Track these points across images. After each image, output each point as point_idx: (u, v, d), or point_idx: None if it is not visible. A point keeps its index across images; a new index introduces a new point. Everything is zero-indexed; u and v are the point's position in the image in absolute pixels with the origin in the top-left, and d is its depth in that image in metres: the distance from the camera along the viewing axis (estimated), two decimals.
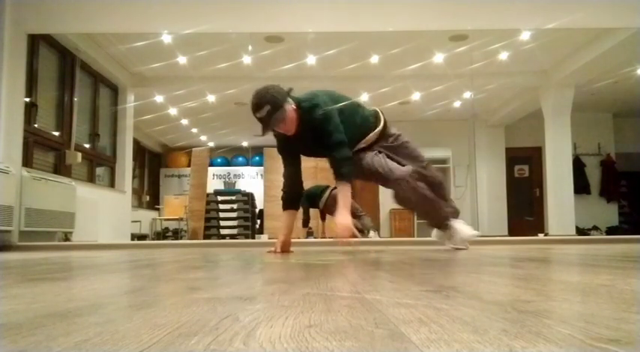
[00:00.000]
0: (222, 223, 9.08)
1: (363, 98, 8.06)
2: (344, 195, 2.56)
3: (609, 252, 2.48)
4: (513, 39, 5.92)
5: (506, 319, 0.60)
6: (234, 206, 9.12)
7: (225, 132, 9.37)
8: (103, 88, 6.84)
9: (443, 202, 3.00)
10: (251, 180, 11.64)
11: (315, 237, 6.81)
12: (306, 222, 6.00)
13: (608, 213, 9.45)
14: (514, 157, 9.91)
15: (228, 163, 11.94)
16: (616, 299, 0.77)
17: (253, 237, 8.66)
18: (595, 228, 9.09)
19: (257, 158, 11.58)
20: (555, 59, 6.77)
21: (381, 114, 2.91)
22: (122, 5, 4.98)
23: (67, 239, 5.28)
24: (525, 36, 5.82)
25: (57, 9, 4.95)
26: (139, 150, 10.32)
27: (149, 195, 10.94)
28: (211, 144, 11.00)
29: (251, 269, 1.62)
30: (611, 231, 9.11)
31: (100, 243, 5.33)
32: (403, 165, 2.79)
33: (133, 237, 7.97)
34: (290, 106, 2.52)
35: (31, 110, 5.15)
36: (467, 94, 8.15)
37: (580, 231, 8.22)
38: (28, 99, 5.04)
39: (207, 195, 8.41)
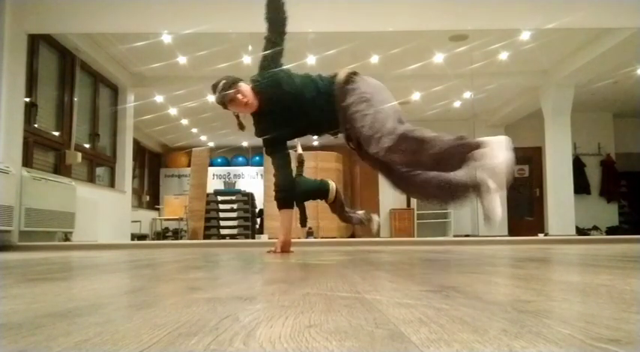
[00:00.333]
0: (222, 223, 9.08)
1: None
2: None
3: (609, 252, 2.48)
4: (513, 39, 5.92)
5: (506, 319, 0.60)
6: (234, 206, 9.12)
7: (225, 132, 9.37)
8: (103, 88, 6.84)
9: None
10: (251, 180, 11.64)
11: (315, 237, 6.82)
12: (304, 221, 5.81)
13: (608, 213, 9.45)
14: (514, 157, 9.90)
15: (228, 163, 11.95)
16: (616, 299, 0.77)
17: (253, 237, 8.66)
18: (595, 228, 9.09)
19: (257, 158, 11.58)
20: (555, 59, 6.77)
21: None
22: (122, 5, 4.98)
23: (67, 239, 5.28)
24: (525, 36, 5.82)
25: (57, 9, 4.95)
26: (139, 150, 10.32)
27: (149, 195, 10.95)
28: (211, 144, 11.00)
29: (251, 269, 1.62)
30: (611, 231, 9.11)
31: (100, 243, 5.33)
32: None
33: (133, 237, 7.97)
34: (246, 84, 2.57)
35: (31, 110, 5.15)
36: (467, 94, 8.15)
37: (580, 231, 8.22)
38: (28, 99, 5.04)
39: (207, 195, 8.41)
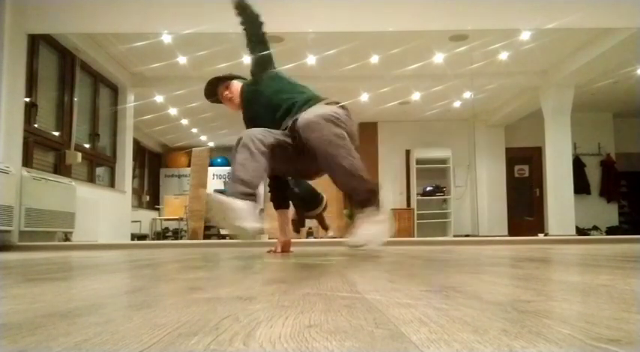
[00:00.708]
0: None
1: (363, 98, 8.08)
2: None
3: (609, 252, 2.48)
4: (513, 39, 5.92)
5: (506, 319, 0.60)
6: None
7: (225, 132, 9.37)
8: (103, 88, 6.84)
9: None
10: None
11: (315, 237, 6.81)
12: (298, 225, 5.55)
13: (608, 213, 9.45)
14: (514, 157, 9.91)
15: (228, 163, 11.94)
16: (616, 299, 0.77)
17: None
18: (595, 228, 9.10)
19: None
20: (555, 59, 6.77)
21: None
22: (122, 5, 4.98)
23: (67, 239, 5.28)
24: (525, 36, 5.82)
25: (57, 9, 4.95)
26: (139, 150, 10.32)
27: (149, 195, 10.94)
28: (211, 144, 11.00)
29: (251, 269, 1.62)
30: (611, 231, 9.11)
31: (100, 243, 5.33)
32: None
33: (133, 237, 7.97)
34: (239, 82, 2.85)
35: (31, 110, 5.15)
36: (467, 94, 8.16)
37: (580, 231, 8.22)
38: (28, 99, 5.04)
39: (208, 195, 8.40)
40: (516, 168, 10.05)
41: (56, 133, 5.69)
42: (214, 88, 2.90)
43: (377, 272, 1.41)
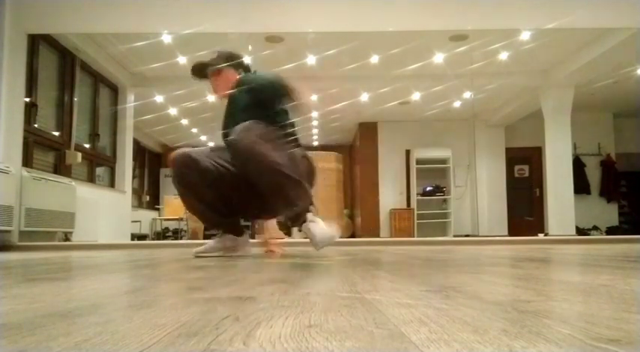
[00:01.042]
0: None
1: (363, 98, 8.08)
2: None
3: (609, 252, 2.48)
4: (513, 39, 5.92)
5: (506, 319, 0.60)
6: None
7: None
8: (103, 88, 6.84)
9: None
10: None
11: None
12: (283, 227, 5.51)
13: (608, 213, 9.45)
14: (514, 157, 9.91)
15: None
16: (616, 299, 0.77)
17: (253, 237, 8.66)
18: (595, 228, 9.09)
19: None
20: (555, 59, 6.77)
21: None
22: (122, 5, 4.98)
23: (67, 239, 5.28)
24: (525, 36, 5.82)
25: (57, 9, 4.95)
26: (139, 150, 10.32)
27: (149, 195, 10.94)
28: (211, 144, 10.98)
29: (251, 269, 1.62)
30: (611, 231, 9.11)
31: (100, 243, 5.33)
32: None
33: (133, 237, 7.97)
34: (235, 71, 2.62)
35: (31, 110, 5.15)
36: (467, 94, 8.15)
37: (580, 231, 8.22)
38: (28, 99, 5.04)
39: None
40: (516, 168, 10.05)
41: (56, 133, 5.69)
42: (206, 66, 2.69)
43: (377, 272, 1.41)
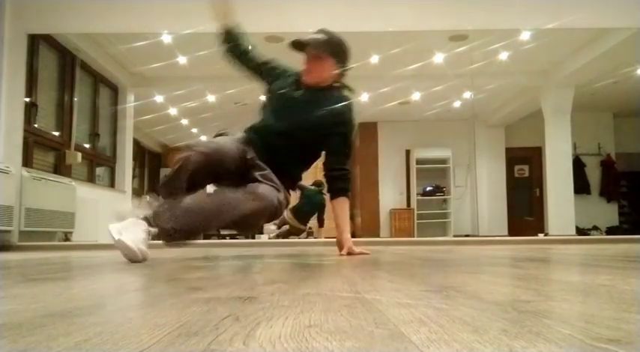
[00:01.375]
0: None
1: (363, 98, 8.07)
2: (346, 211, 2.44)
3: (609, 252, 2.48)
4: (513, 39, 5.92)
5: (506, 319, 0.60)
6: None
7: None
8: (103, 88, 6.84)
9: None
10: None
11: (315, 237, 6.81)
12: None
13: (608, 213, 9.45)
14: (514, 157, 9.91)
15: None
16: (616, 299, 0.77)
17: (253, 237, 8.66)
18: (595, 228, 9.09)
19: None
20: (555, 59, 6.77)
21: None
22: (122, 5, 4.97)
23: (67, 239, 5.28)
24: (525, 36, 5.82)
25: (57, 9, 4.95)
26: (139, 150, 10.32)
27: (149, 195, 10.94)
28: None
29: (251, 269, 1.62)
30: (611, 231, 9.11)
31: (100, 243, 5.33)
32: None
33: None
34: (334, 62, 2.41)
35: (31, 110, 5.15)
36: (467, 94, 8.15)
37: (580, 231, 8.22)
38: (28, 99, 5.04)
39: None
40: (516, 168, 10.05)
41: (56, 133, 5.69)
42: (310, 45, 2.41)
43: (377, 272, 1.41)
